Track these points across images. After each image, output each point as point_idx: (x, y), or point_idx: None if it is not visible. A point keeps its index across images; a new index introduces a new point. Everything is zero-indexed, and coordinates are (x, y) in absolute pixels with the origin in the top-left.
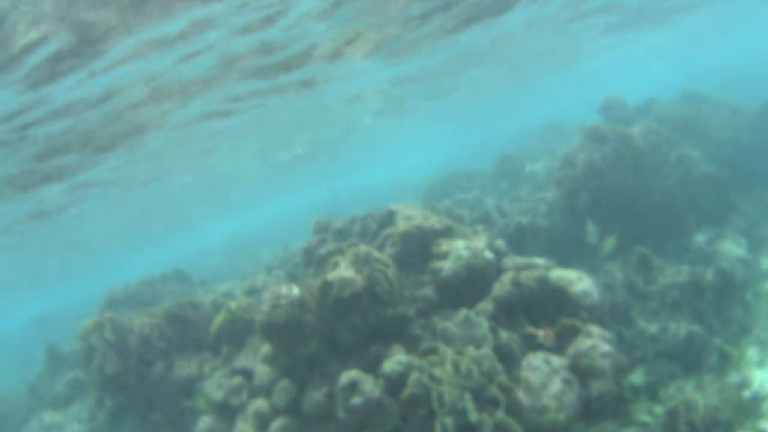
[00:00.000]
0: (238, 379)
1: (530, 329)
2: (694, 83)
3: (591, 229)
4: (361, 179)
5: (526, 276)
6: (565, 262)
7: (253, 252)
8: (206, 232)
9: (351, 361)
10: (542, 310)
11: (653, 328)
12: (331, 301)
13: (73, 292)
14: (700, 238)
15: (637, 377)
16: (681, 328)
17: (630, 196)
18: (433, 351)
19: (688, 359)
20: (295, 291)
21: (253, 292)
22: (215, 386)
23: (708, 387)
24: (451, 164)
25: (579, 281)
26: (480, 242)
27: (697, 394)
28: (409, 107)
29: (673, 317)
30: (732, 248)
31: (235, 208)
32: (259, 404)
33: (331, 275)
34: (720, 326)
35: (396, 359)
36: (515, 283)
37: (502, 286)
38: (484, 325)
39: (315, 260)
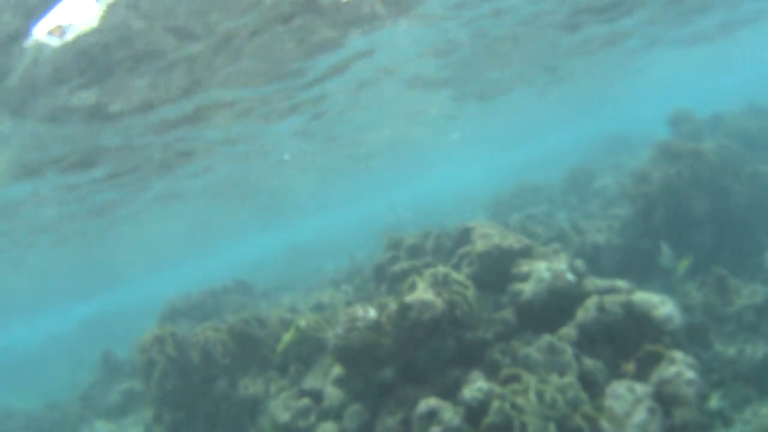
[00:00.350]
0: (305, 401)
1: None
2: (759, 97)
3: (665, 251)
4: (420, 189)
5: (610, 301)
6: (638, 281)
7: (314, 262)
8: (263, 241)
9: (427, 387)
10: (625, 335)
11: (731, 350)
12: (410, 324)
13: (131, 295)
14: None
15: (713, 402)
16: (758, 349)
17: (705, 214)
18: (515, 378)
19: (765, 382)
20: (372, 313)
21: (319, 308)
22: (282, 407)
23: None
24: (514, 176)
25: (662, 305)
26: (561, 263)
27: None
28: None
29: (750, 339)
30: None
31: (293, 216)
32: (329, 428)
33: (410, 297)
34: None
35: (477, 386)
36: (600, 308)
37: (586, 311)
38: (568, 352)
39: (388, 278)
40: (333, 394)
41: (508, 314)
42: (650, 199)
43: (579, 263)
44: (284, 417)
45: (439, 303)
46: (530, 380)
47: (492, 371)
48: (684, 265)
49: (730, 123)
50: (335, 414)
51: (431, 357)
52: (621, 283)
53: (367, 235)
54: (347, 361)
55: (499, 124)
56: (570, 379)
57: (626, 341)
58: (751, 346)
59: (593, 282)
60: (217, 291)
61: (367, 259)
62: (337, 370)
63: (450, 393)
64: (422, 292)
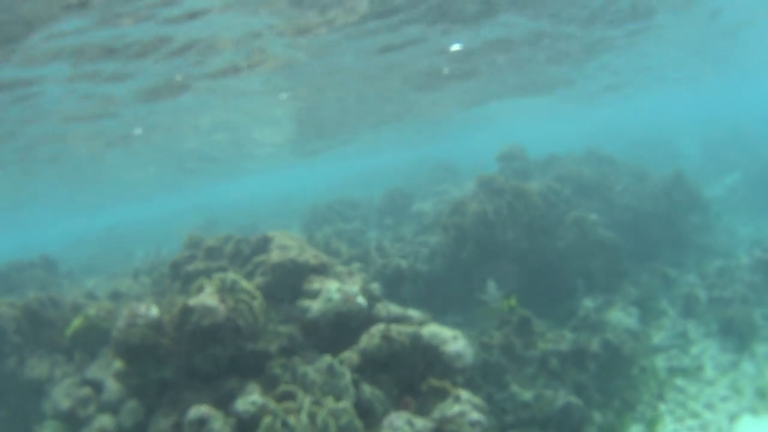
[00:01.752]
0: (87, 390)
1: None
2: (600, 143)
3: (491, 288)
4: (252, 190)
5: (397, 331)
6: (442, 311)
7: (130, 248)
8: (84, 223)
9: (205, 392)
10: (411, 367)
11: (528, 394)
12: (190, 328)
13: None
14: (588, 303)
15: None
16: (558, 398)
17: (521, 254)
18: (290, 396)
19: (565, 431)
20: (154, 311)
21: (116, 296)
22: (63, 393)
23: None
24: (342, 189)
25: (453, 341)
26: (354, 286)
27: None
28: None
29: (551, 385)
30: (621, 318)
31: (118, 201)
32: (105, 421)
33: (193, 300)
34: (602, 400)
35: (250, 399)
36: (385, 337)
37: (371, 338)
38: (347, 377)
39: (182, 276)
40: (113, 387)
41: (294, 330)
42: (463, 231)
43: (375, 286)
44: (65, 404)
45: (222, 309)
46: (305, 400)
47: (270, 385)
48: (508, 304)
49: (563, 167)
50: (113, 408)
51: (210, 363)
52: (415, 313)
53: (186, 228)
54: (126, 356)
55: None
56: (346, 404)
57: (413, 373)
58: (551, 391)
59: (386, 308)
60: (23, 265)
61: (172, 254)
62: (118, 364)
63: (226, 402)
64: (207, 297)
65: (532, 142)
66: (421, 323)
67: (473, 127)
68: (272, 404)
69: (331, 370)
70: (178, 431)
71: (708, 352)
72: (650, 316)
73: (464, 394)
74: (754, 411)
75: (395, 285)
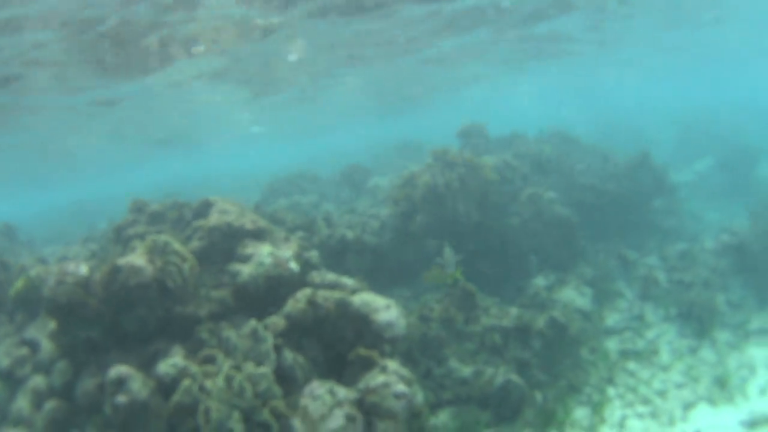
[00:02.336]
0: (24, 350)
1: None
2: (572, 126)
3: (447, 254)
4: (220, 167)
5: (324, 297)
6: (389, 284)
7: (92, 221)
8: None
9: (132, 354)
10: (339, 335)
11: (467, 370)
12: (117, 287)
13: None
14: (540, 281)
15: (442, 418)
16: (498, 375)
17: (472, 228)
18: (211, 360)
19: (504, 410)
20: (83, 270)
21: (64, 260)
22: (3, 353)
23: None
24: (305, 164)
25: (385, 310)
26: (288, 251)
27: None
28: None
29: (492, 362)
30: (573, 297)
31: (89, 173)
32: (38, 381)
33: (122, 260)
34: (546, 380)
35: (171, 362)
36: (311, 302)
37: (296, 303)
38: (269, 342)
39: (123, 240)
40: (47, 347)
41: (226, 294)
42: (413, 203)
43: (314, 254)
44: (4, 363)
45: (150, 270)
46: (224, 364)
47: (196, 349)
48: (454, 276)
49: (523, 144)
50: (46, 368)
51: (137, 324)
52: (349, 281)
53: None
54: (55, 315)
55: (299, 116)
56: (265, 369)
57: (341, 341)
58: (492, 369)
59: (321, 275)
60: None
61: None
62: (53, 324)
63: (151, 364)
64: (136, 257)
65: (506, 123)
66: (354, 291)
67: (445, 107)
68: (194, 368)
69: (254, 335)
70: (102, 391)
71: (665, 336)
72: (605, 298)
73: (392, 364)
74: (711, 400)
75: (340, 256)
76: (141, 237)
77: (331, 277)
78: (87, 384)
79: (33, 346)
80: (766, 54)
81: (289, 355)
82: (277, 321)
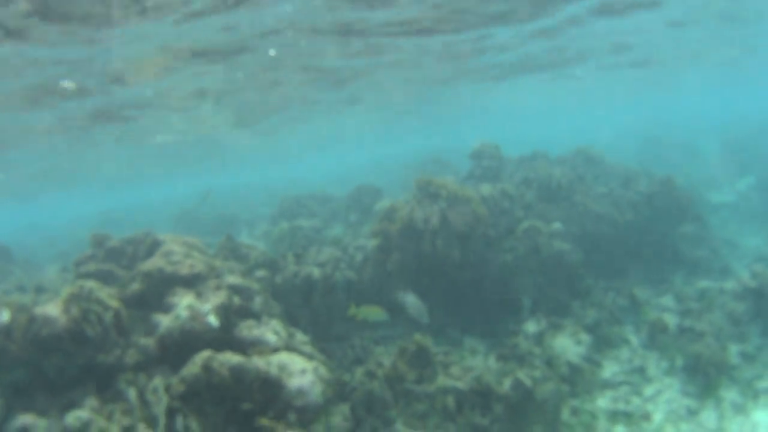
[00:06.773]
0: None
1: None
2: (613, 141)
3: (411, 301)
4: (253, 178)
5: (220, 361)
6: (359, 326)
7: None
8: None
9: (57, 398)
10: (248, 400)
11: None
12: (31, 337)
13: None
14: (530, 327)
15: None
16: None
17: (455, 268)
18: (110, 417)
19: None
20: (5, 317)
21: (40, 290)
22: None
23: None
24: (330, 182)
25: (300, 375)
26: (209, 304)
27: None
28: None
29: (443, 427)
30: (568, 345)
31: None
32: None
33: (38, 309)
34: None
35: (77, 414)
36: (205, 367)
37: (192, 366)
38: (162, 404)
39: (80, 275)
40: None
41: (150, 343)
42: (389, 239)
43: (258, 301)
44: None
45: (63, 321)
46: (112, 427)
47: (116, 399)
48: (374, 312)
49: (540, 165)
50: None
51: (57, 372)
52: (272, 337)
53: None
54: None
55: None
56: None
57: (250, 407)
58: None
59: (251, 329)
60: None
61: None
62: None
63: (67, 411)
64: (51, 307)
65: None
66: (275, 350)
67: (479, 121)
68: (100, 421)
69: (155, 394)
70: None
71: (665, 394)
72: (606, 345)
73: None
74: None
75: (307, 295)
76: (91, 276)
77: (257, 330)
78: (13, 426)
79: None
80: None
81: (179, 421)
82: (177, 383)
